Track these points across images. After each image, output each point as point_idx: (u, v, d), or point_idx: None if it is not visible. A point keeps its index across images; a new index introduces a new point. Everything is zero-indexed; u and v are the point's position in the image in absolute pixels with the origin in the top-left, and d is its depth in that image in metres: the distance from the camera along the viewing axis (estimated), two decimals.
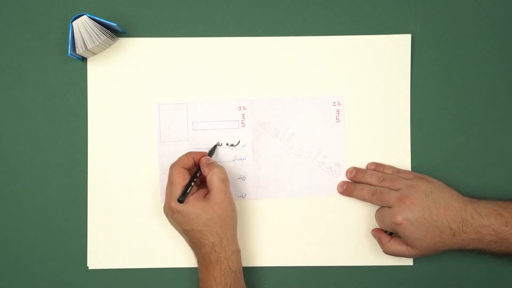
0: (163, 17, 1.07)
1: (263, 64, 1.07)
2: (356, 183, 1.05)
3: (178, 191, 0.97)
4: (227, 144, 1.07)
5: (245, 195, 1.07)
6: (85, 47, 1.01)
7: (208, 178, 0.99)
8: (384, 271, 1.06)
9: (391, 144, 1.07)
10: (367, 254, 1.06)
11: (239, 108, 1.06)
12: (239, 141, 1.07)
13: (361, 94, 1.07)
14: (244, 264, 1.06)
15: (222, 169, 1.00)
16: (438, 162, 1.07)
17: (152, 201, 1.07)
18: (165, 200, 1.00)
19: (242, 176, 1.07)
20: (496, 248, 0.97)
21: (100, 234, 1.06)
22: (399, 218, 0.97)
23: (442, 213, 0.96)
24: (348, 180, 1.07)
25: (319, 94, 1.07)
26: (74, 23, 1.01)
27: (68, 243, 1.07)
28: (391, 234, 1.03)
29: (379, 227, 1.04)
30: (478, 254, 0.99)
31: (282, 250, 1.07)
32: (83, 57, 1.06)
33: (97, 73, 1.07)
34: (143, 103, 1.07)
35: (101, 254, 1.06)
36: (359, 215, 1.07)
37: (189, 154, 1.01)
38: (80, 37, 1.01)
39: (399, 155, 1.07)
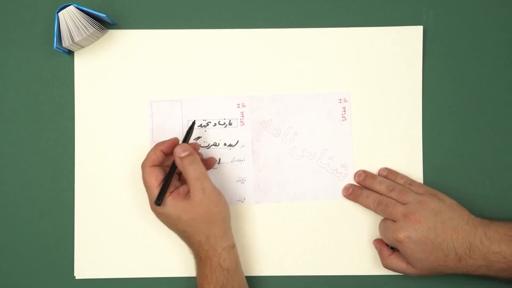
0: (156, 8, 1.06)
1: (264, 58, 1.05)
2: (363, 189, 1.03)
3: (153, 193, 0.95)
4: (225, 144, 1.05)
5: (244, 199, 1.05)
6: (72, 39, 0.99)
7: (184, 175, 0.96)
8: (393, 280, 1.05)
9: (402, 144, 1.05)
10: (376, 262, 1.04)
11: (238, 106, 1.05)
12: (237, 141, 1.05)
13: (369, 90, 1.05)
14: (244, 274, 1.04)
15: (196, 164, 0.95)
16: (452, 164, 1.05)
17: (144, 206, 1.03)
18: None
19: (241, 179, 1.05)
20: (506, 276, 0.94)
21: (88, 241, 1.05)
22: (401, 235, 0.95)
23: (449, 236, 0.94)
24: (355, 183, 1.05)
25: (324, 90, 1.05)
26: (60, 13, 0.99)
27: (53, 250, 1.05)
28: (393, 248, 1.01)
29: (381, 238, 1.02)
30: (486, 280, 0.97)
31: (284, 258, 1.05)
32: (69, 50, 1.04)
33: (85, 68, 1.05)
34: (134, 100, 1.05)
35: (89, 263, 1.05)
36: (367, 221, 1.05)
37: (156, 147, 0.97)
38: (66, 29, 0.99)
39: (409, 155, 1.05)
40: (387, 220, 0.98)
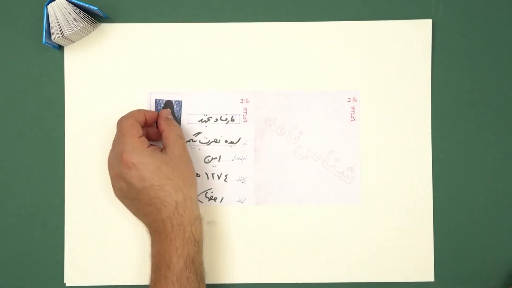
0: (151, 0, 1.04)
1: (270, 53, 1.04)
2: None
3: (133, 143, 0.94)
4: (226, 141, 1.04)
5: (244, 200, 1.04)
6: (62, 34, 0.98)
7: (164, 134, 0.98)
8: (396, 287, 1.04)
9: (411, 146, 1.04)
10: (382, 269, 1.03)
11: (241, 101, 1.04)
12: (239, 138, 1.04)
13: (378, 89, 1.04)
14: (242, 281, 1.04)
15: (178, 126, 1.01)
16: (464, 166, 1.04)
17: None
18: (113, 156, 0.97)
19: (242, 178, 1.04)
20: None
21: (79, 245, 1.03)
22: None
23: None
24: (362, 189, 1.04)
25: (333, 88, 1.04)
26: (49, 6, 0.98)
27: (42, 256, 1.04)
28: None
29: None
30: None
31: (285, 264, 1.03)
32: (59, 45, 1.03)
33: (76, 64, 1.04)
34: (129, 97, 1.04)
35: (80, 270, 1.03)
36: (372, 228, 1.04)
37: (140, 110, 1.00)
38: (56, 22, 0.98)
39: (419, 158, 1.04)
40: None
